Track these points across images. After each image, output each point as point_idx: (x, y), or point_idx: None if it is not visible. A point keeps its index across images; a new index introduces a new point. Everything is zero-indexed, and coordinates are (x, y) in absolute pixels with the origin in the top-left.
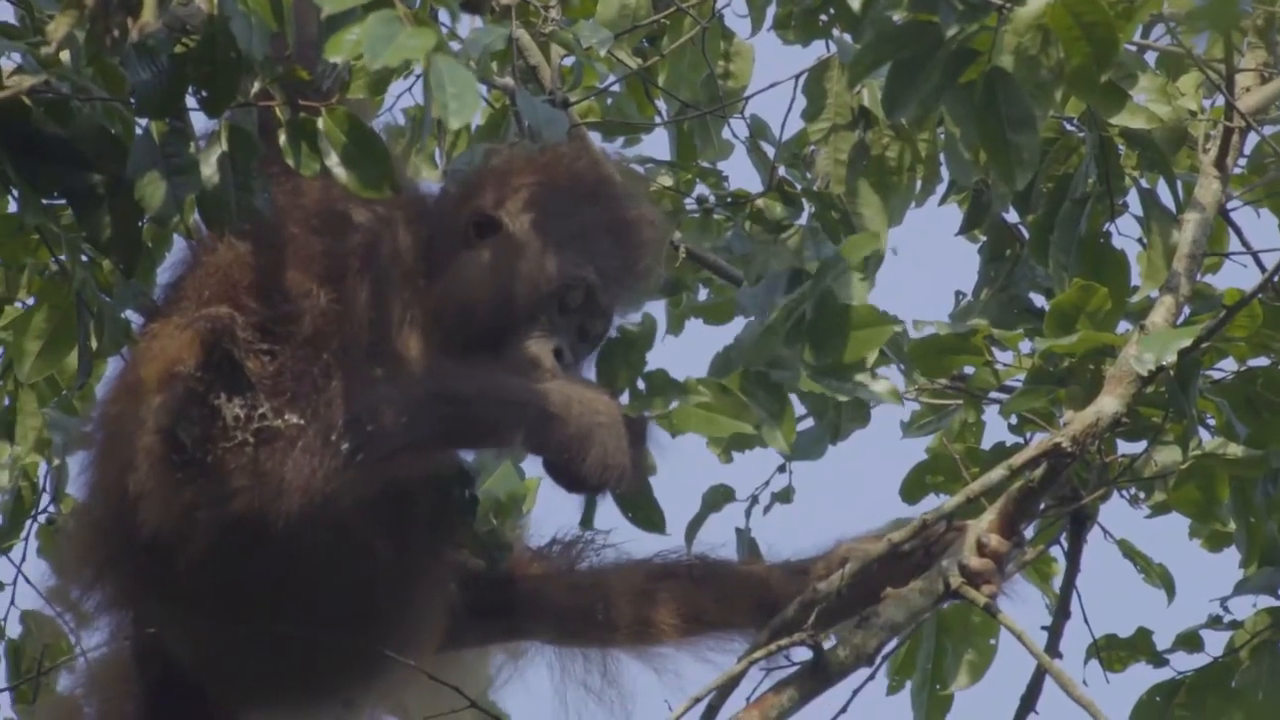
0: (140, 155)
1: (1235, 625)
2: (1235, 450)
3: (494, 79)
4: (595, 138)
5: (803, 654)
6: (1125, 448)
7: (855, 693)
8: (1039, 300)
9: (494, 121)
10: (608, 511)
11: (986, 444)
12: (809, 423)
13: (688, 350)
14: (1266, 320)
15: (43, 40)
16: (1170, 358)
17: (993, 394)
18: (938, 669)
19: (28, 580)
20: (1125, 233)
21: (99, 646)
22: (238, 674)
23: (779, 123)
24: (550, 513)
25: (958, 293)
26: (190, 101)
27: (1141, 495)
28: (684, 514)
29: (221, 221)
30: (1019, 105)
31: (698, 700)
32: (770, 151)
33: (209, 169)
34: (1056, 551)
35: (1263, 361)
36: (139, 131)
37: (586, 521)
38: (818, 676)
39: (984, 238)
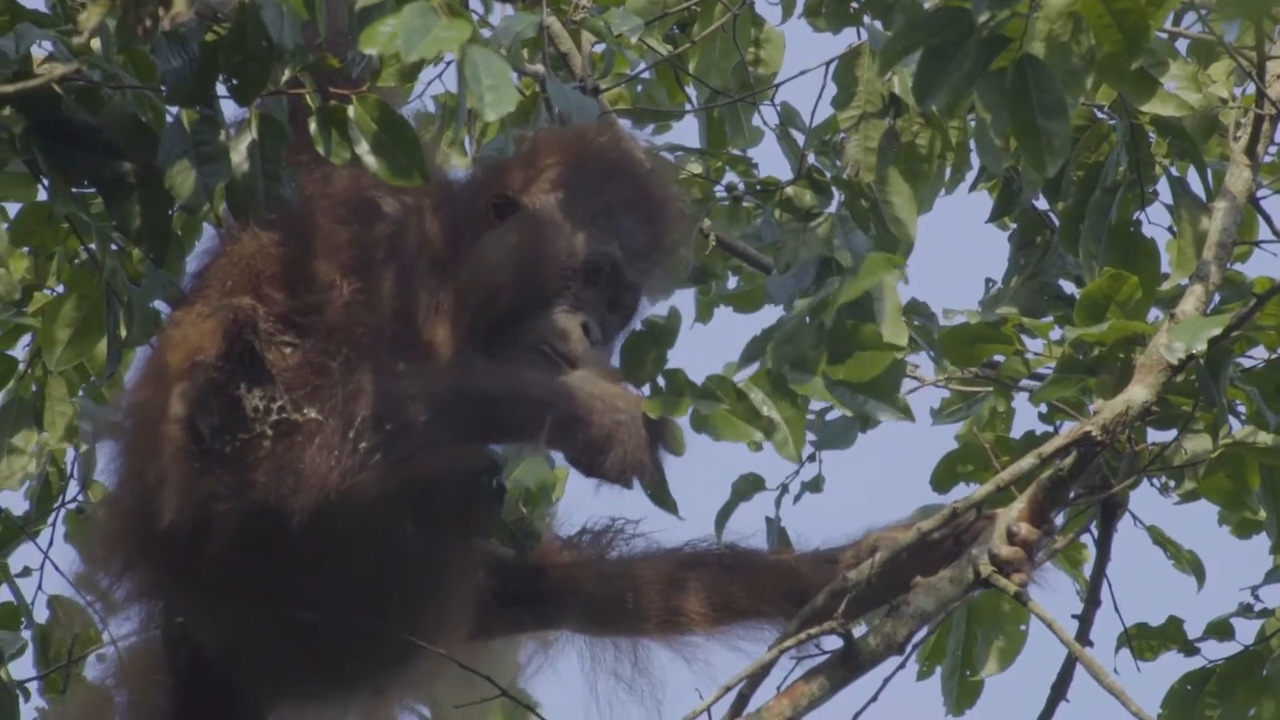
0: (171, 143)
1: (1266, 613)
2: (1265, 438)
3: (524, 66)
4: (625, 124)
5: (833, 643)
6: (1155, 436)
7: (886, 681)
8: (1069, 287)
9: (524, 109)
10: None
11: (1016, 433)
12: (838, 412)
13: (717, 338)
14: None
15: (74, 29)
16: (1201, 346)
17: (1022, 382)
18: (968, 655)
19: (55, 566)
20: (1155, 221)
21: (128, 636)
22: (267, 664)
23: (809, 110)
24: (579, 502)
25: (988, 280)
26: (220, 89)
27: (1171, 484)
28: (714, 503)
29: (249, 210)
30: (1050, 92)
31: (728, 689)
32: (800, 139)
33: (238, 157)
34: (1086, 539)
35: None
36: (169, 120)
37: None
38: (848, 665)
39: (1014, 225)
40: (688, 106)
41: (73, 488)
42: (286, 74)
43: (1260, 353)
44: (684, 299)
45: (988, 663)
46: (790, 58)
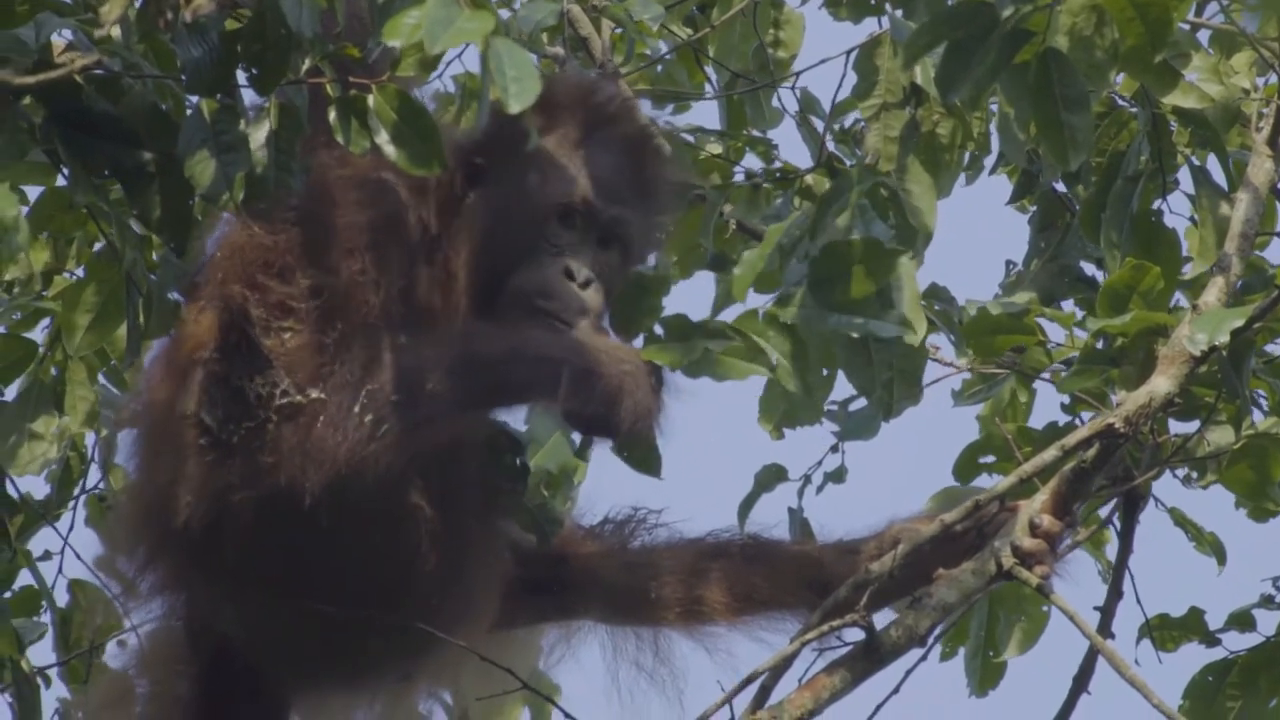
0: (191, 133)
1: None
2: None
3: (544, 49)
4: (645, 106)
5: (855, 635)
6: (1178, 428)
7: (908, 673)
8: (1090, 269)
9: None
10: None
11: (1037, 422)
12: (861, 402)
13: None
14: None
15: (94, 19)
16: (1223, 338)
17: (1043, 372)
18: (991, 637)
19: (75, 552)
20: (1176, 211)
21: (151, 625)
22: (290, 652)
23: (828, 98)
24: (601, 487)
25: (1008, 262)
26: (240, 79)
27: (1194, 475)
28: (736, 493)
29: (260, 199)
30: (1073, 86)
31: (751, 680)
32: (820, 126)
33: (256, 146)
34: (1109, 527)
35: None
36: (189, 109)
37: (582, 455)
38: (870, 657)
39: (1034, 207)
40: (708, 89)
41: (93, 473)
42: (306, 63)
43: None
44: (704, 283)
45: (1010, 645)
46: (810, 46)
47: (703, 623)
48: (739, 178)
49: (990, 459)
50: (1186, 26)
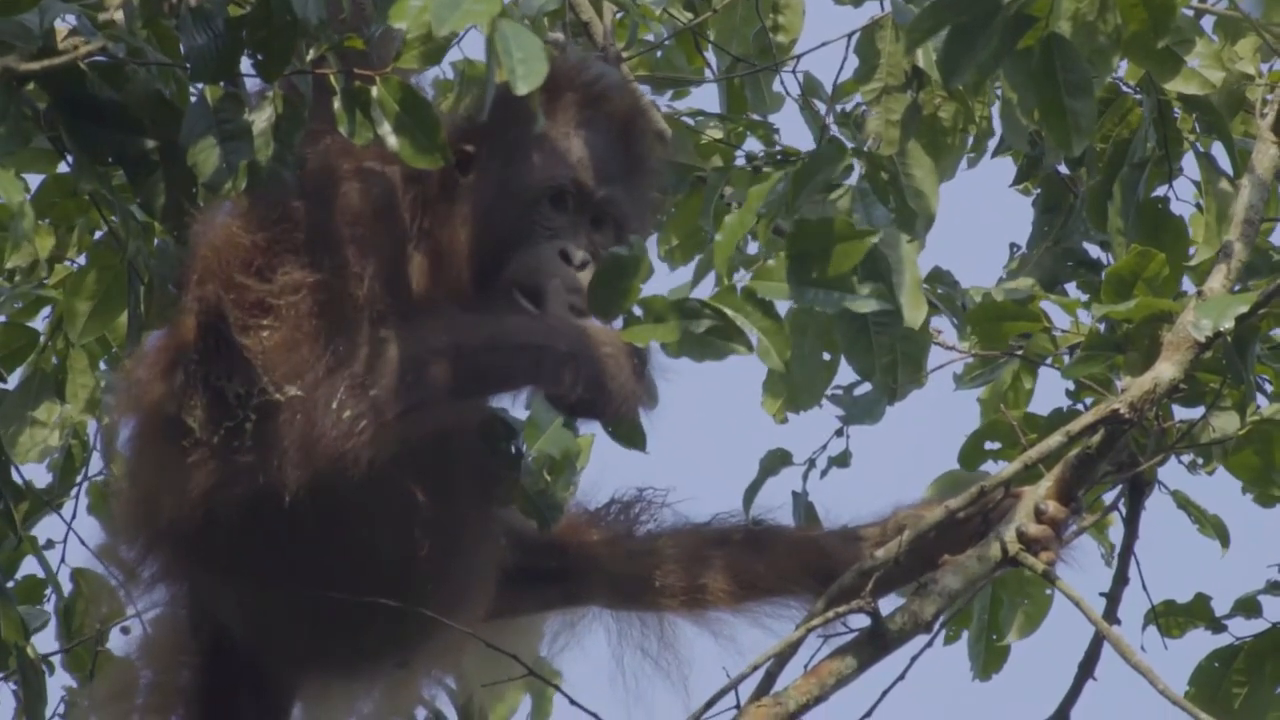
0: (194, 121)
1: None
2: None
3: (545, 34)
4: (646, 90)
5: (860, 621)
6: (1183, 414)
7: (914, 659)
8: (1094, 251)
9: None
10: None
11: (1040, 408)
12: (866, 386)
13: None
14: None
15: (99, 5)
16: (1228, 323)
17: (1047, 358)
18: (994, 620)
19: (79, 538)
20: (1181, 197)
21: (153, 614)
22: (291, 640)
23: (830, 82)
24: (604, 473)
25: (1012, 244)
26: (246, 66)
27: (1199, 461)
28: (741, 477)
29: (259, 188)
30: (1077, 71)
31: (756, 667)
32: (822, 109)
33: (259, 134)
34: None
35: None
36: (193, 97)
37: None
38: (875, 644)
39: (1037, 190)
40: (708, 74)
41: (95, 460)
42: (311, 52)
43: None
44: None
45: (1013, 628)
46: (811, 30)
47: (707, 609)
48: (740, 161)
49: (996, 445)
50: (1190, 12)
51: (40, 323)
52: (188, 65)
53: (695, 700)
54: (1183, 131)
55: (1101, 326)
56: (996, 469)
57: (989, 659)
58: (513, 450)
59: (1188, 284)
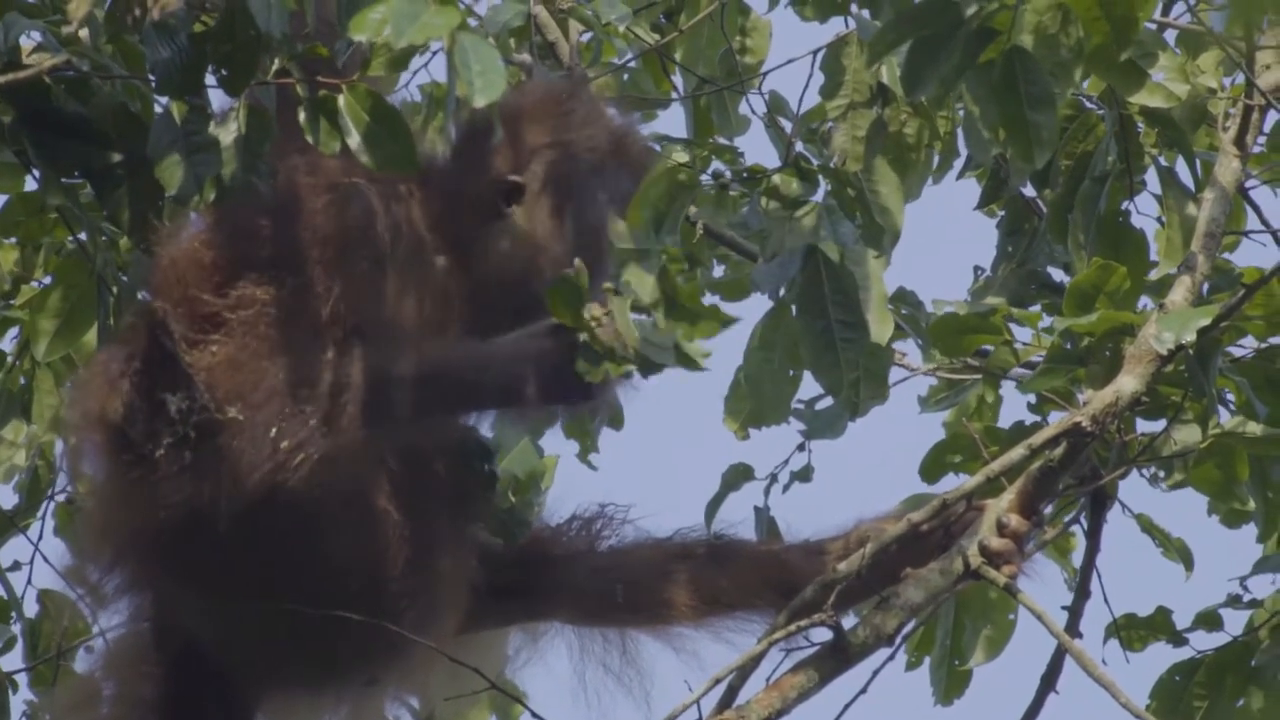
0: (160, 134)
1: (1255, 604)
2: (1255, 429)
3: (511, 55)
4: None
5: (822, 635)
6: (1145, 426)
7: (875, 673)
8: (1058, 274)
9: None
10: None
11: (1005, 423)
12: (828, 401)
13: None
14: None
15: (63, 19)
16: (1190, 336)
17: (1010, 371)
18: (956, 645)
19: (45, 559)
20: (1143, 211)
21: (118, 627)
22: (257, 654)
23: (796, 99)
24: (569, 490)
25: (976, 268)
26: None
27: (1161, 474)
28: (703, 491)
29: (227, 201)
30: (1039, 84)
31: (718, 681)
32: (788, 127)
33: (226, 147)
34: (1075, 528)
35: None
36: (159, 110)
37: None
38: (837, 657)
39: (1002, 212)
40: (674, 95)
41: (62, 481)
42: (276, 64)
43: (1249, 343)
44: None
45: (976, 652)
46: (777, 46)
47: (670, 624)
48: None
49: (958, 458)
50: (1153, 26)
51: (8, 344)
52: (152, 79)
53: (657, 715)
54: (1145, 146)
55: (1067, 344)
56: (958, 482)
57: (950, 684)
58: (487, 470)
59: (1146, 301)
